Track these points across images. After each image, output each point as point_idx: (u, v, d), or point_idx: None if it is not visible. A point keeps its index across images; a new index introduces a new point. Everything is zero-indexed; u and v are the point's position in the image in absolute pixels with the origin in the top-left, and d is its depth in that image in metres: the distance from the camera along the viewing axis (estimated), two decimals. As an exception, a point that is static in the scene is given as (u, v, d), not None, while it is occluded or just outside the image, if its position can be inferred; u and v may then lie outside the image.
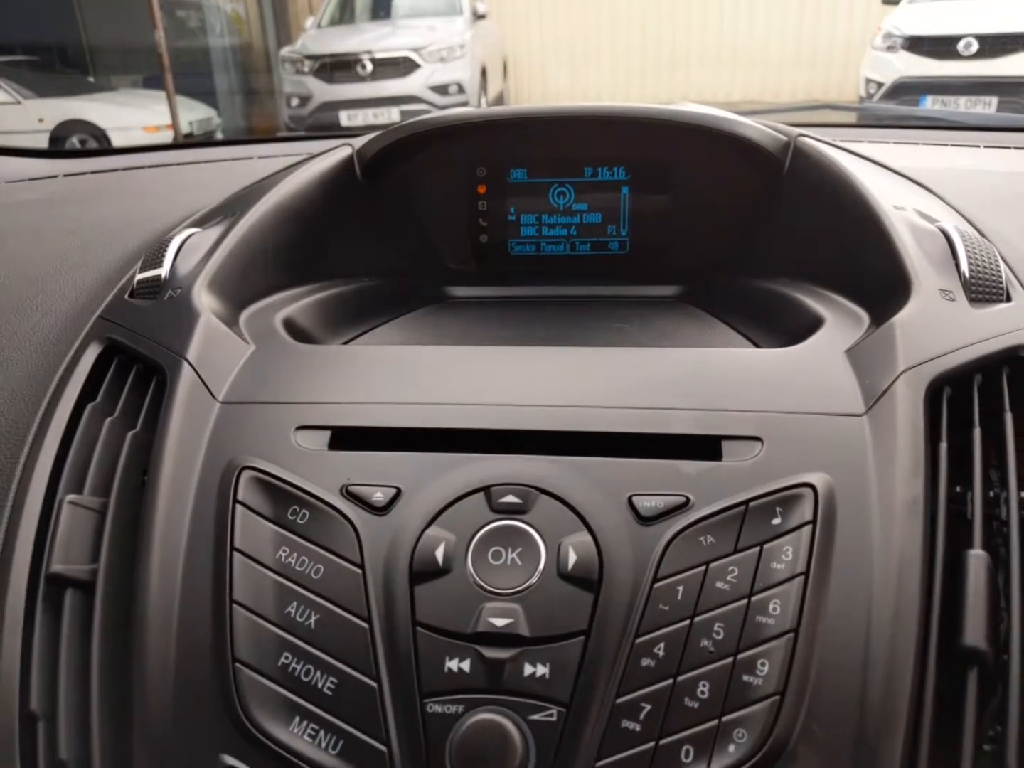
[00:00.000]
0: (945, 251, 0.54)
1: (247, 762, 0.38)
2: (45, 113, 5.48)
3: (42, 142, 5.29)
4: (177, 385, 0.49)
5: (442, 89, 5.79)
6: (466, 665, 0.37)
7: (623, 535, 0.40)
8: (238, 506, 0.43)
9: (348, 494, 0.43)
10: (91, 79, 6.74)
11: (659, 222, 0.71)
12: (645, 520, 0.40)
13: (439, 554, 0.40)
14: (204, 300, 0.55)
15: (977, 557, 0.40)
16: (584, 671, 0.37)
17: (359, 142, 0.71)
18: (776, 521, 0.40)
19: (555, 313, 0.71)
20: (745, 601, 0.38)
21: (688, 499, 0.41)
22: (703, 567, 0.39)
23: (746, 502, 0.40)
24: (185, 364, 0.50)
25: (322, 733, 0.38)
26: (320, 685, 0.38)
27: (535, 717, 0.36)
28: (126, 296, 0.59)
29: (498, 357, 0.52)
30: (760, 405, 0.45)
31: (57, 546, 0.45)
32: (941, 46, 4.75)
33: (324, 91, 5.81)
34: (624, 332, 0.65)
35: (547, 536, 0.40)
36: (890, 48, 4.99)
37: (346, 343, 0.65)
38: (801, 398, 0.45)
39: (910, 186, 0.69)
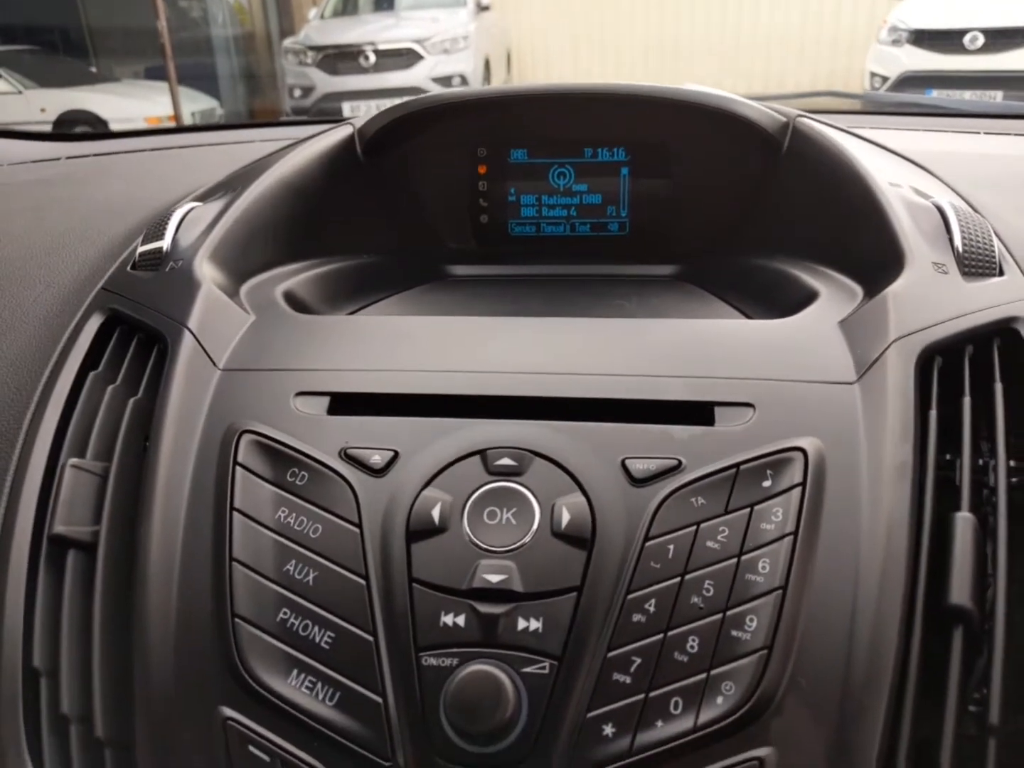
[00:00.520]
0: (939, 226, 0.54)
1: (245, 714, 0.39)
2: (47, 103, 5.47)
3: (44, 133, 5.27)
4: (178, 352, 0.49)
5: (445, 81, 5.78)
6: (461, 620, 0.38)
7: (616, 496, 0.41)
8: (238, 468, 0.43)
9: (346, 457, 0.43)
10: (93, 69, 6.72)
11: (658, 203, 0.71)
12: (637, 482, 0.41)
13: (435, 513, 0.40)
14: (205, 271, 0.55)
15: (964, 519, 0.41)
16: (576, 625, 0.38)
17: (360, 121, 0.71)
18: (767, 484, 0.40)
19: (554, 290, 0.71)
20: (735, 560, 0.39)
21: (680, 462, 0.41)
22: (694, 527, 0.39)
23: (737, 465, 0.41)
24: (186, 332, 0.50)
25: (319, 685, 0.38)
26: (318, 639, 0.39)
27: (528, 669, 0.37)
28: (128, 268, 0.59)
29: (495, 327, 0.53)
30: (752, 373, 0.45)
31: (59, 508, 0.46)
32: (946, 40, 4.72)
33: (327, 82, 5.81)
34: (622, 308, 0.66)
35: (541, 497, 0.41)
36: (895, 42, 4.96)
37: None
38: (793, 366, 0.46)
39: (906, 165, 0.69)
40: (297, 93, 5.95)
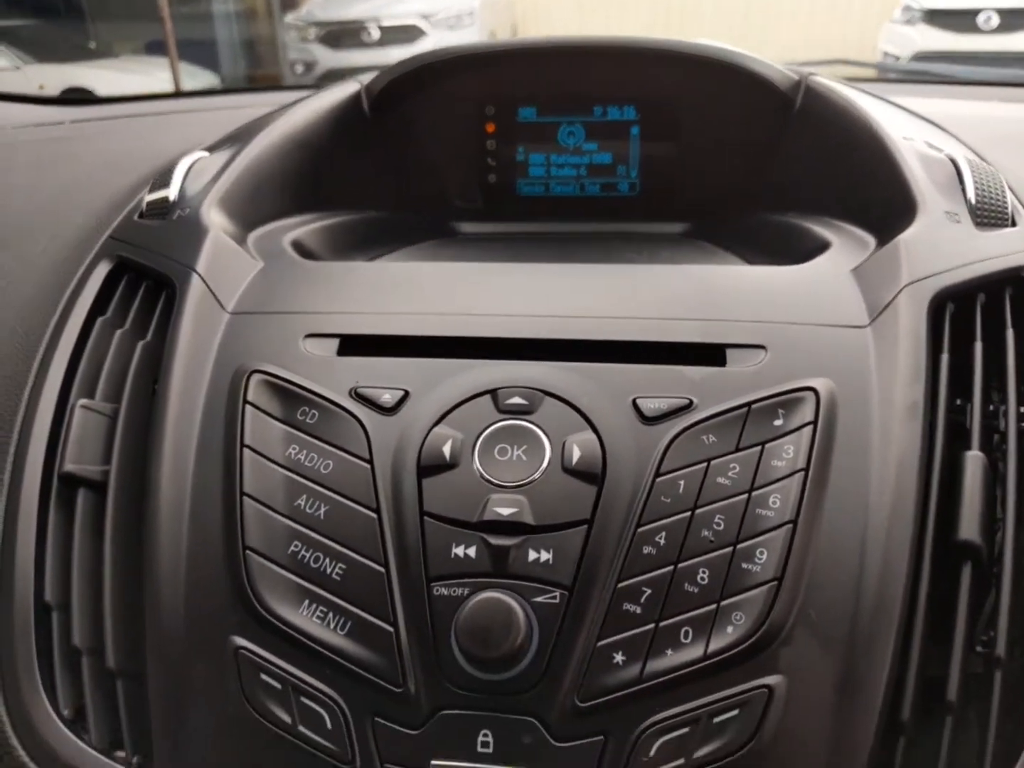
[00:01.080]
0: (952, 177, 0.54)
1: (257, 643, 0.39)
2: (46, 79, 5.41)
3: (43, 109, 5.23)
4: (187, 295, 0.49)
5: (449, 57, 5.70)
6: (472, 551, 0.38)
7: (626, 433, 0.41)
8: (248, 407, 0.43)
9: (357, 396, 0.43)
10: (92, 45, 6.65)
11: (669, 162, 0.71)
12: (649, 420, 0.41)
13: (446, 450, 0.40)
14: (213, 218, 0.55)
15: (975, 457, 0.41)
16: (586, 557, 0.38)
17: (367, 78, 0.70)
18: (778, 422, 0.41)
19: (563, 247, 0.71)
20: (746, 495, 0.39)
21: (691, 401, 0.41)
22: (705, 463, 0.40)
23: (748, 404, 0.41)
24: (195, 276, 0.50)
25: (330, 615, 0.39)
26: (329, 571, 0.39)
27: (538, 599, 0.37)
28: (135, 218, 0.59)
29: (505, 272, 0.53)
30: (764, 316, 0.45)
31: (70, 447, 0.46)
32: (960, 19, 4.65)
33: (330, 58, 5.74)
34: (633, 261, 0.66)
35: (552, 434, 0.41)
36: (908, 21, 4.90)
37: None
38: (805, 310, 0.46)
39: (920, 122, 0.69)
40: (299, 69, 5.88)
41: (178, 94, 1.76)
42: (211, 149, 0.67)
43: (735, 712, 0.36)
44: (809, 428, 0.40)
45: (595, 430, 0.41)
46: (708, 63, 0.66)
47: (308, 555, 0.40)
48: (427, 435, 0.41)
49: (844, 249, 0.54)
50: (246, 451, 0.42)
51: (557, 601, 0.37)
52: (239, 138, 0.65)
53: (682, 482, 0.39)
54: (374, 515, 0.40)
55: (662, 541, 0.38)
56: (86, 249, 0.59)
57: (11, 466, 0.47)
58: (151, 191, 0.60)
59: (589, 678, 0.37)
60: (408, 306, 0.49)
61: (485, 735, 0.37)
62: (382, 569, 0.39)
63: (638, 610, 0.37)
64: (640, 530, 0.38)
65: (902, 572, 0.38)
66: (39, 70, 5.49)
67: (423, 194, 0.74)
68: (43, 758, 0.41)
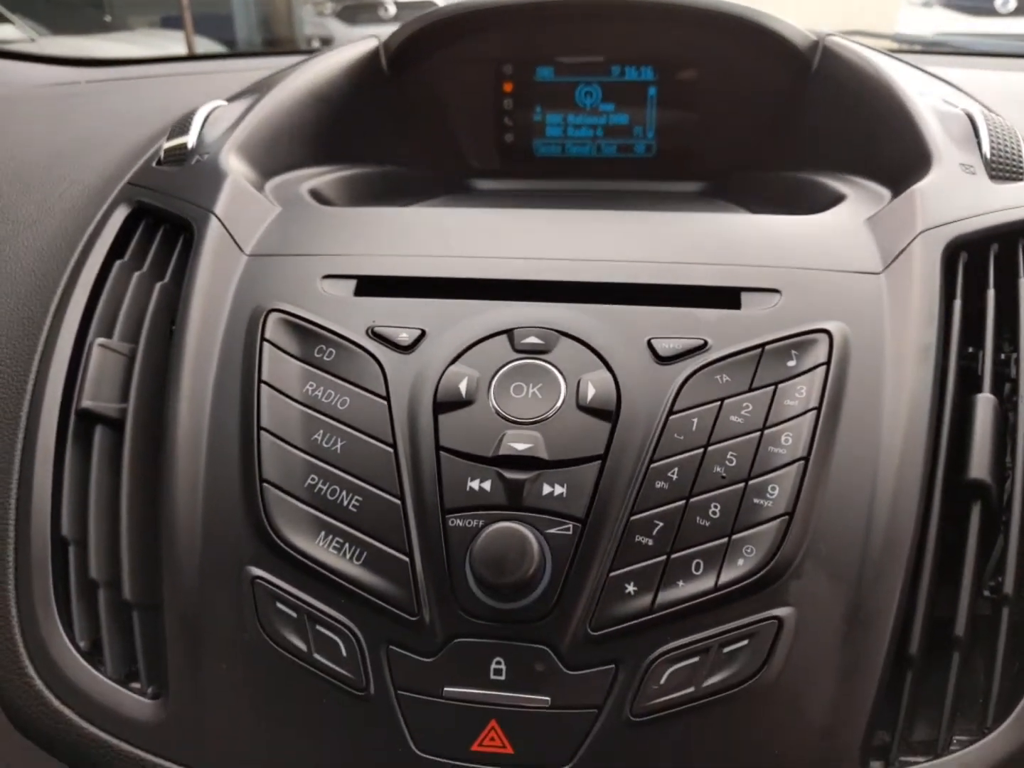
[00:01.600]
0: (968, 132, 0.54)
1: (273, 573, 0.40)
2: (60, 51, 5.40)
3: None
4: (205, 237, 0.50)
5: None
6: (487, 485, 0.39)
7: (641, 373, 0.41)
8: (265, 344, 0.44)
9: (374, 334, 0.44)
10: (108, 18, 6.63)
11: (686, 124, 0.70)
12: (663, 360, 0.41)
13: (463, 387, 0.41)
14: (232, 163, 0.55)
15: (985, 399, 0.41)
16: (600, 491, 0.38)
17: (385, 34, 0.70)
18: (791, 363, 0.41)
19: (579, 203, 0.71)
20: (758, 433, 0.39)
21: (706, 342, 0.41)
22: (718, 402, 0.40)
23: (762, 345, 0.41)
24: (213, 218, 0.50)
25: (347, 546, 0.39)
26: (345, 503, 0.40)
27: (552, 531, 0.38)
28: (153, 164, 0.59)
29: (522, 218, 0.53)
30: (779, 261, 0.45)
31: (87, 385, 0.47)
32: (977, 1, 4.56)
33: (346, 33, 5.70)
34: None
35: (567, 373, 0.41)
36: (925, 4, 4.81)
37: None
38: (820, 257, 0.46)
39: (937, 81, 0.68)
40: (315, 44, 5.85)
41: (193, 56, 1.76)
42: (230, 100, 0.67)
43: (745, 643, 0.36)
44: (822, 369, 0.40)
45: (610, 369, 0.41)
46: (727, 20, 0.65)
47: (325, 488, 0.40)
48: (443, 373, 0.41)
49: (859, 200, 0.54)
50: (263, 387, 0.43)
51: (570, 533, 0.38)
52: (257, 89, 0.66)
53: (695, 420, 0.39)
54: (390, 449, 0.40)
55: (675, 476, 0.38)
56: (104, 195, 0.59)
57: (28, 404, 0.47)
58: (169, 138, 0.60)
59: (601, 608, 0.37)
60: (425, 249, 0.49)
61: (498, 663, 0.38)
62: (398, 501, 0.39)
63: (650, 542, 0.37)
64: (653, 466, 0.39)
65: (912, 510, 0.38)
66: (54, 42, 5.46)
67: (440, 152, 0.74)
68: (60, 688, 0.42)
